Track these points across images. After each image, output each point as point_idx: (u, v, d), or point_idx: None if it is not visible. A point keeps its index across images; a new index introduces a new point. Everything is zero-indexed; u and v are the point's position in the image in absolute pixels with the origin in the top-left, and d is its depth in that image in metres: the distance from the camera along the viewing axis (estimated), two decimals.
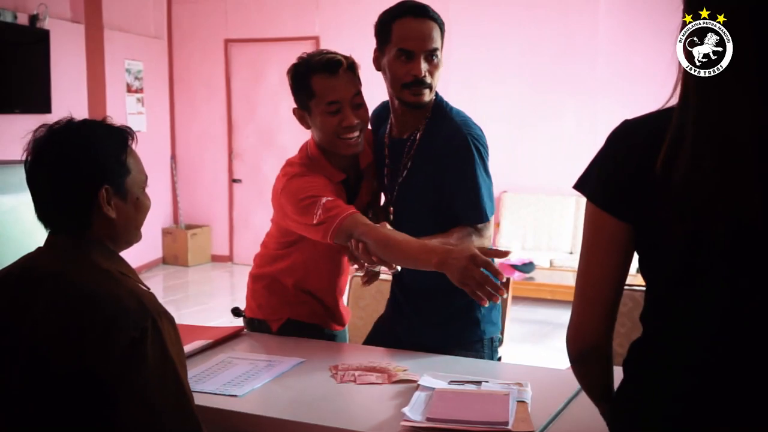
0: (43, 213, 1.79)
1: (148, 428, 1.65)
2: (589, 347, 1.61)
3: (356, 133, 2.63)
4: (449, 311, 2.64)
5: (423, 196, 2.62)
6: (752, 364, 1.42)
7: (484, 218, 2.58)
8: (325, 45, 8.49)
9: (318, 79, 2.60)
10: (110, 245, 1.81)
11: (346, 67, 2.63)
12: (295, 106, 2.71)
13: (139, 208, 1.85)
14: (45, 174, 1.77)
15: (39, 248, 1.83)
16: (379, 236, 2.41)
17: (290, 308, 2.80)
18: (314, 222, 2.50)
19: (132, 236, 1.86)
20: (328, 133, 2.61)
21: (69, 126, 1.79)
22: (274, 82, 8.74)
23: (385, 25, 2.62)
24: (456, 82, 8.37)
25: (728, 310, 1.43)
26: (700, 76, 1.39)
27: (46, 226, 1.81)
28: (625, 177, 1.49)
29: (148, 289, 1.78)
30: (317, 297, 2.80)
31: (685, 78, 1.43)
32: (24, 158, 1.80)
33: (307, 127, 2.70)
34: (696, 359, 1.46)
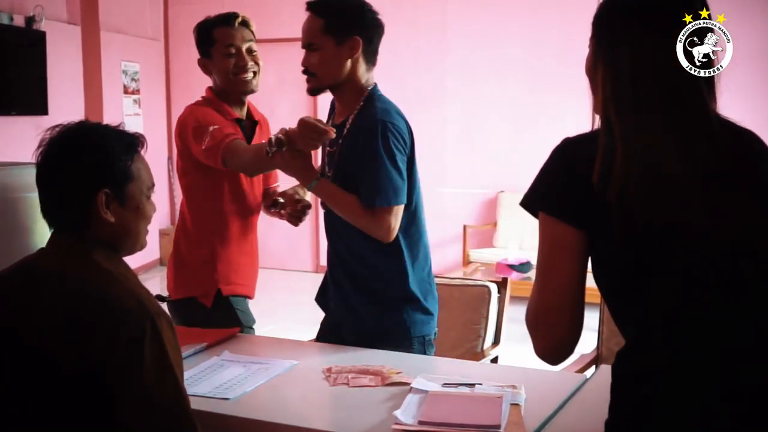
0: (45, 210, 1.81)
1: (147, 428, 1.65)
2: (564, 353, 1.61)
3: (250, 74, 3.04)
4: (374, 304, 2.69)
5: (349, 180, 2.68)
6: (702, 370, 1.43)
7: (369, 202, 2.61)
8: None
9: (218, 30, 3.03)
10: (113, 247, 1.82)
11: (241, 21, 3.05)
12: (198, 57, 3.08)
13: (140, 215, 1.85)
14: (48, 171, 1.78)
15: (41, 249, 1.83)
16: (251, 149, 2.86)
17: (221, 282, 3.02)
18: (203, 147, 2.86)
19: (132, 243, 1.86)
20: (226, 73, 3.02)
21: (80, 127, 1.81)
22: (270, 83, 8.68)
23: None
24: (454, 82, 8.37)
25: (673, 321, 1.45)
26: (619, 101, 1.45)
27: (49, 224, 1.82)
28: (577, 189, 1.50)
29: (147, 290, 1.79)
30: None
31: (605, 102, 1.48)
32: (36, 156, 1.81)
33: (209, 73, 3.09)
34: (649, 369, 1.48)
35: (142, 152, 1.86)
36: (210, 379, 2.32)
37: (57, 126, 1.81)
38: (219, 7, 9.79)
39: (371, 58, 2.75)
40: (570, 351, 1.60)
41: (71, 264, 1.75)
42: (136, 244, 1.87)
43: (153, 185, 1.89)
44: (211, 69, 3.06)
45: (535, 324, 1.59)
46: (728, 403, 1.42)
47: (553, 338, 1.58)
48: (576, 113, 7.70)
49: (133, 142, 1.84)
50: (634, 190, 1.41)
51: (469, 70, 8.30)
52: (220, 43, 3.00)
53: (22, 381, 1.69)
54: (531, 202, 1.57)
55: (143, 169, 1.85)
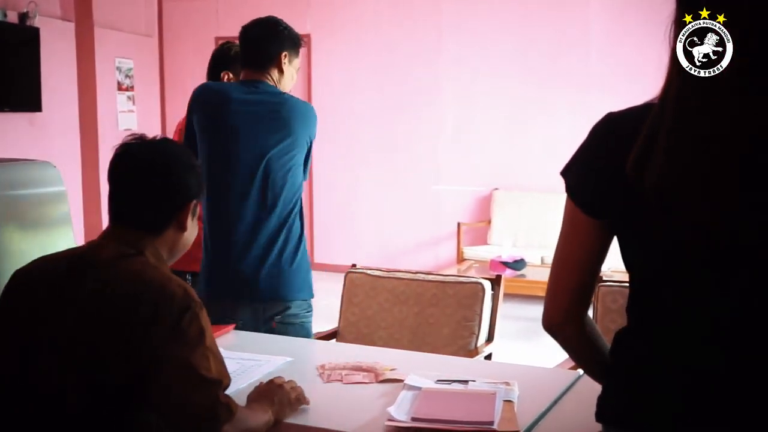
0: (129, 209, 1.90)
1: (191, 395, 1.72)
2: (556, 327, 1.66)
3: None
4: None
5: None
6: (728, 361, 1.42)
7: None
8: (317, 43, 8.48)
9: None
10: (164, 255, 1.92)
11: None
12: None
13: (195, 228, 2.00)
14: (157, 174, 1.89)
15: (92, 241, 1.92)
16: None
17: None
18: None
19: (181, 252, 1.99)
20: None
21: (166, 142, 2.00)
22: None
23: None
24: (448, 79, 8.37)
25: (707, 311, 1.43)
26: (686, 76, 1.39)
27: (120, 219, 1.90)
28: (603, 176, 1.49)
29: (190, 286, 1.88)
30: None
31: (670, 76, 1.42)
32: (114, 160, 1.92)
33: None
34: (676, 354, 1.46)
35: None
36: None
37: (139, 135, 1.96)
38: (213, 4, 9.76)
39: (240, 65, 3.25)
40: (560, 332, 1.66)
41: (123, 255, 1.83)
42: (181, 253, 2.00)
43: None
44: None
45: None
46: (725, 400, 1.41)
47: (548, 313, 1.65)
48: (570, 110, 7.73)
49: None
50: (672, 181, 1.38)
51: (463, 68, 8.30)
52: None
53: (64, 364, 1.75)
54: (565, 172, 1.59)
55: None
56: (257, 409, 1.94)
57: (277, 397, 2.02)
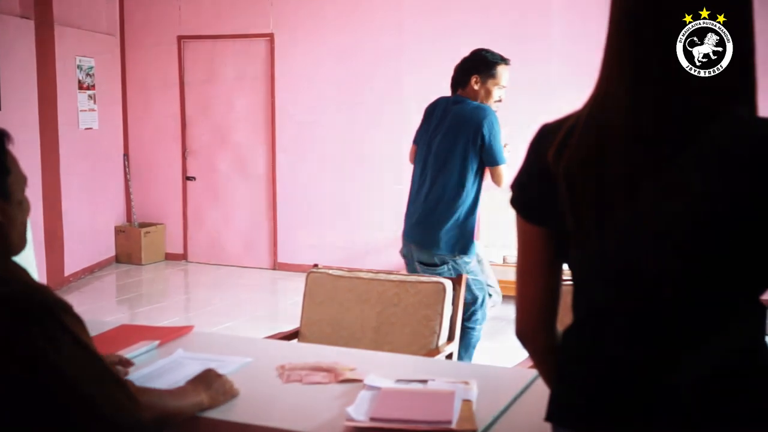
0: None
1: (73, 402, 1.66)
2: (529, 338, 1.66)
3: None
4: None
5: None
6: (633, 361, 1.44)
7: None
8: (279, 42, 8.45)
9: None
10: None
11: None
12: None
13: (23, 209, 1.81)
14: None
15: None
16: None
17: None
18: None
19: (19, 240, 1.80)
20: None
21: None
22: (228, 79, 8.68)
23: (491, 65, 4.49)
24: (410, 78, 8.38)
25: (608, 302, 1.47)
26: (622, 74, 1.42)
27: None
28: (536, 182, 1.52)
29: (41, 284, 1.74)
30: None
31: (604, 73, 1.46)
32: None
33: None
34: (587, 351, 1.50)
35: (9, 146, 1.81)
36: (165, 376, 2.31)
37: None
38: (175, 3, 9.63)
39: None
40: (532, 341, 1.66)
41: None
42: (22, 240, 1.81)
43: (26, 178, 1.84)
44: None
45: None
46: (664, 395, 1.43)
47: (519, 323, 1.66)
48: (531, 110, 7.77)
49: (0, 137, 1.79)
50: (582, 165, 1.41)
51: (425, 67, 8.32)
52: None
53: None
54: (512, 184, 1.61)
55: (15, 163, 1.80)
56: (189, 390, 1.98)
57: (215, 384, 2.08)
